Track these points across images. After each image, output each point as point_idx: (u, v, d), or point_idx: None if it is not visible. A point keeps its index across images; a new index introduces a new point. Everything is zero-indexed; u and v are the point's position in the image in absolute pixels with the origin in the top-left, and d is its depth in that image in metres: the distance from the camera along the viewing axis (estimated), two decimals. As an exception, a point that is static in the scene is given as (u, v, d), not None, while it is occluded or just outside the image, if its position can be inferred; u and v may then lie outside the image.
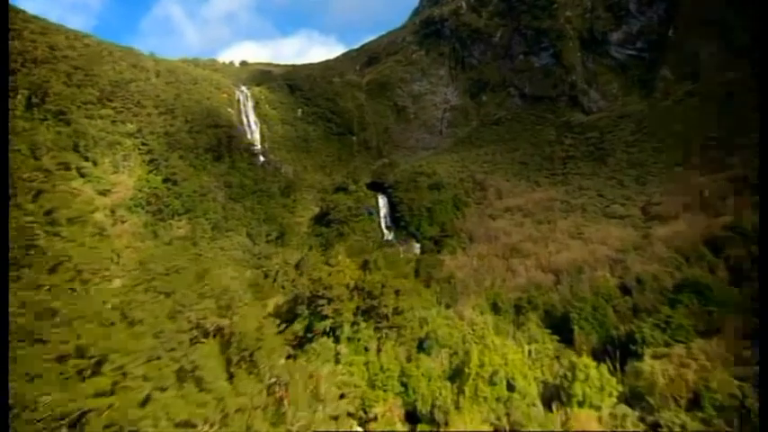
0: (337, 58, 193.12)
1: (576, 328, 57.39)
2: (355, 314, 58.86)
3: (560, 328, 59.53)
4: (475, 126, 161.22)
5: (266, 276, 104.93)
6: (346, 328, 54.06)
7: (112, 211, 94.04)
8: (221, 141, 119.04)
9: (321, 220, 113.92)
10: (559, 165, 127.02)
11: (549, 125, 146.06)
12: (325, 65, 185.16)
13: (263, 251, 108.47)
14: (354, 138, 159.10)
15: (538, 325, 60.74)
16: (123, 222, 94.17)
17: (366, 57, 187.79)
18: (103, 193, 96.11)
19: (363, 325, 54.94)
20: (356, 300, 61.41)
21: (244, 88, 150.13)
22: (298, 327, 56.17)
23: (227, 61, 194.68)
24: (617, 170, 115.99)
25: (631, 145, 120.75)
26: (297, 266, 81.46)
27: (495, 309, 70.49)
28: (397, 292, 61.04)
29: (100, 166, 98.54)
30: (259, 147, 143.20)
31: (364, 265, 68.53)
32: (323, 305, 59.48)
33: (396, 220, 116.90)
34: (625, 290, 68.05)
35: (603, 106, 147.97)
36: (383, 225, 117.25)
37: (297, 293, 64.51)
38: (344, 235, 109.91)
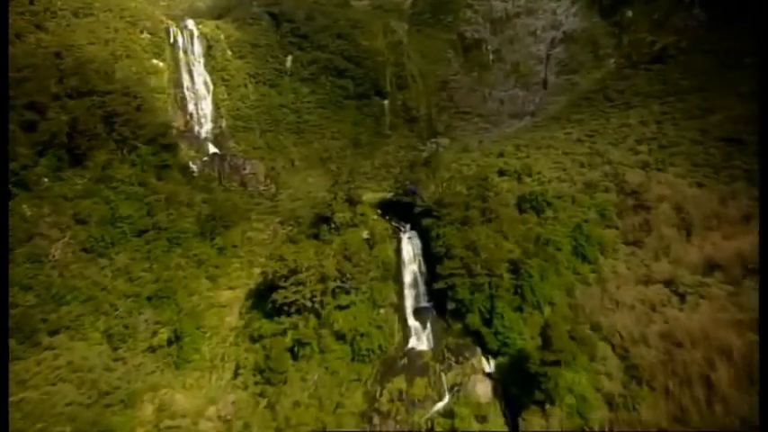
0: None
1: None
2: None
3: None
4: (613, 68, 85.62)
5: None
6: None
7: None
8: (79, 127, 57.65)
9: (260, 303, 49.73)
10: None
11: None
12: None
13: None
14: (386, 102, 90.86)
15: None
16: None
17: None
18: None
19: None
20: None
21: (190, 23, 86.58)
22: None
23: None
24: None
25: None
26: None
27: None
28: None
29: None
30: (211, 126, 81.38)
31: None
32: None
33: (437, 295, 48.42)
34: None
35: None
36: (407, 306, 49.78)
37: None
38: (308, 346, 45.17)
